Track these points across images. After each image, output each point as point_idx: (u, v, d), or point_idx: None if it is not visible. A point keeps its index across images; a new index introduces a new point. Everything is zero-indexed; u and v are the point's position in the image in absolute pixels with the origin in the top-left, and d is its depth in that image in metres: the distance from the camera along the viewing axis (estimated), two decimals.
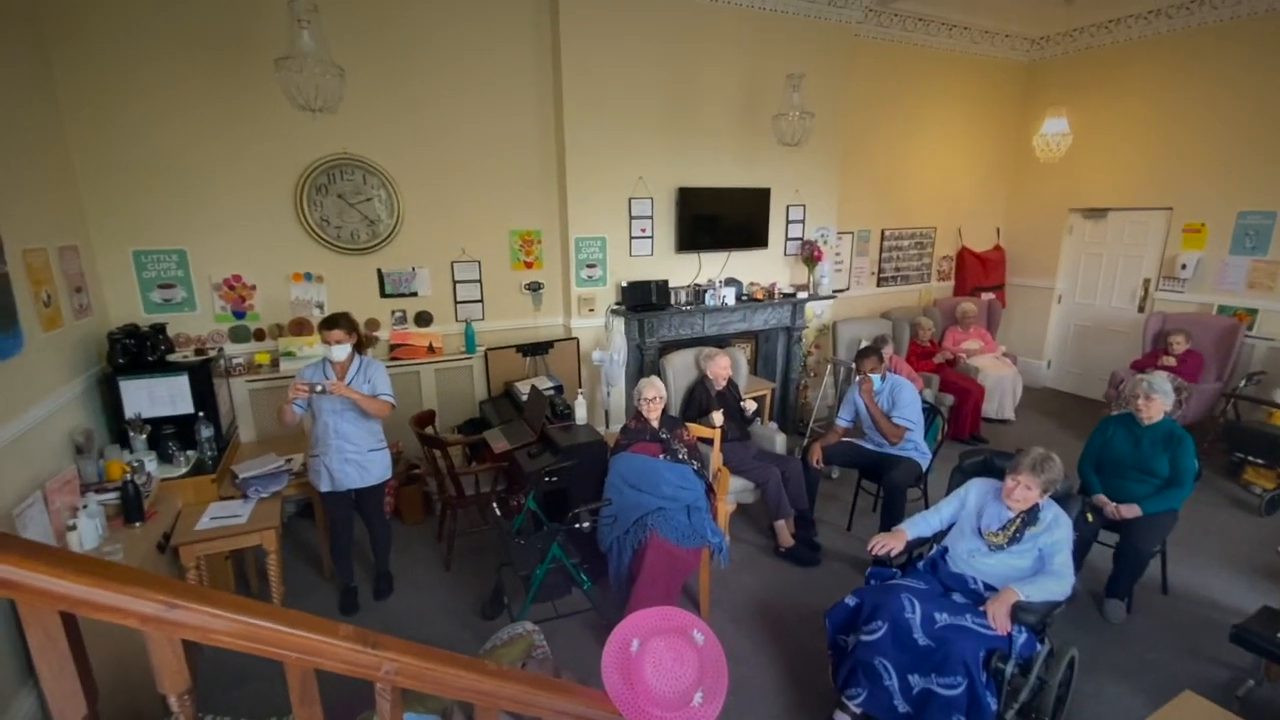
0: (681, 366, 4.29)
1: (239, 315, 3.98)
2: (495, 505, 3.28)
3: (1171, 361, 5.07)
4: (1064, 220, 6.55)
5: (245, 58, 3.65)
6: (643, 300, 4.75)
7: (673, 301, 4.88)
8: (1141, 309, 6.05)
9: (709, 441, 3.61)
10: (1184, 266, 5.63)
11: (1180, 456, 3.08)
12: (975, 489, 2.63)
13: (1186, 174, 5.59)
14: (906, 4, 5.41)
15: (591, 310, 4.80)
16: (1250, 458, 4.39)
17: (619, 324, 4.75)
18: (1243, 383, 4.78)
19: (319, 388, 2.87)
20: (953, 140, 6.44)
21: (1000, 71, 6.51)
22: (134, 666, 2.05)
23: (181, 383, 3.27)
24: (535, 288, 4.78)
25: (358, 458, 3.11)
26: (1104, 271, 6.37)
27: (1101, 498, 3.19)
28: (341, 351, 3.00)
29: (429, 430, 3.76)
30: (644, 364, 4.77)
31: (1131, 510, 3.08)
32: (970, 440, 5.34)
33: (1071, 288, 6.67)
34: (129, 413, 3.18)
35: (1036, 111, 6.17)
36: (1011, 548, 2.42)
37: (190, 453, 3.25)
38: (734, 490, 3.66)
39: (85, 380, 3.18)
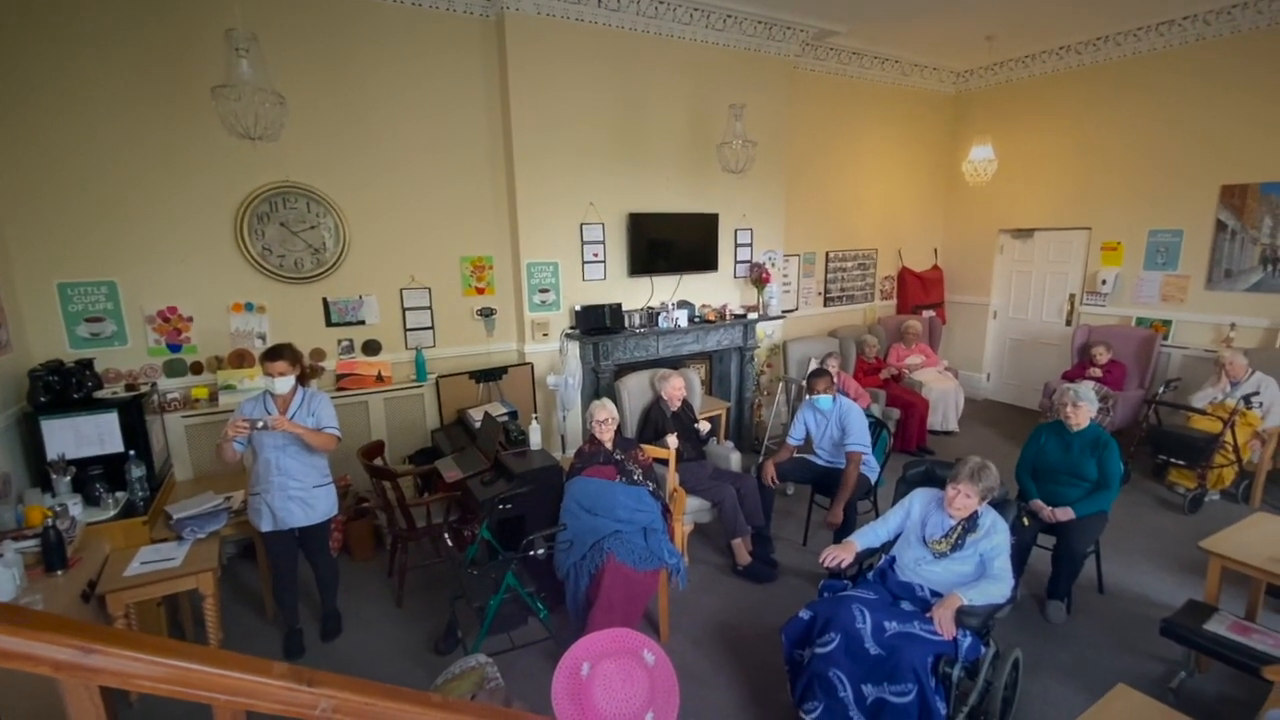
0: (637, 389, 4.32)
1: (174, 348, 3.82)
2: (447, 536, 3.21)
3: (1098, 372, 5.38)
4: (995, 240, 6.92)
5: (179, 83, 3.58)
6: (597, 324, 4.77)
7: (627, 324, 4.92)
8: (1069, 322, 6.41)
9: (665, 462, 3.63)
10: (1104, 282, 6.01)
11: (1106, 460, 3.26)
12: (919, 499, 2.73)
13: (1101, 196, 6.00)
14: (841, 39, 5.70)
15: (545, 335, 4.80)
16: (1173, 459, 4.66)
17: (573, 348, 4.76)
18: (1161, 389, 5.10)
19: (260, 424, 2.76)
20: (890, 166, 6.76)
21: (930, 102, 6.89)
22: None
23: (110, 420, 3.12)
24: (488, 313, 4.75)
25: (302, 495, 2.99)
26: (1033, 288, 6.74)
27: (1037, 502, 3.34)
28: (285, 384, 2.89)
29: (378, 461, 3.67)
30: (599, 387, 4.78)
31: (1065, 513, 3.23)
32: (917, 452, 5.51)
33: (1005, 304, 7.02)
34: (51, 454, 3.00)
35: (964, 139, 6.54)
36: (954, 554, 2.50)
37: (120, 494, 3.08)
38: (691, 510, 3.68)
39: (3, 421, 3.00)
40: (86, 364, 3.29)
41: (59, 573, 2.50)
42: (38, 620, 0.81)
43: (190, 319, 3.83)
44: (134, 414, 3.19)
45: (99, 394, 3.27)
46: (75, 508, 2.84)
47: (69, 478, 2.96)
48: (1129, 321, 5.90)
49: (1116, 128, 5.83)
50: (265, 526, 2.97)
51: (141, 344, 3.74)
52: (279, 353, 2.89)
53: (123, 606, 2.60)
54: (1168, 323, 5.66)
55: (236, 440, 2.79)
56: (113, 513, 2.98)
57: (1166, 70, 5.46)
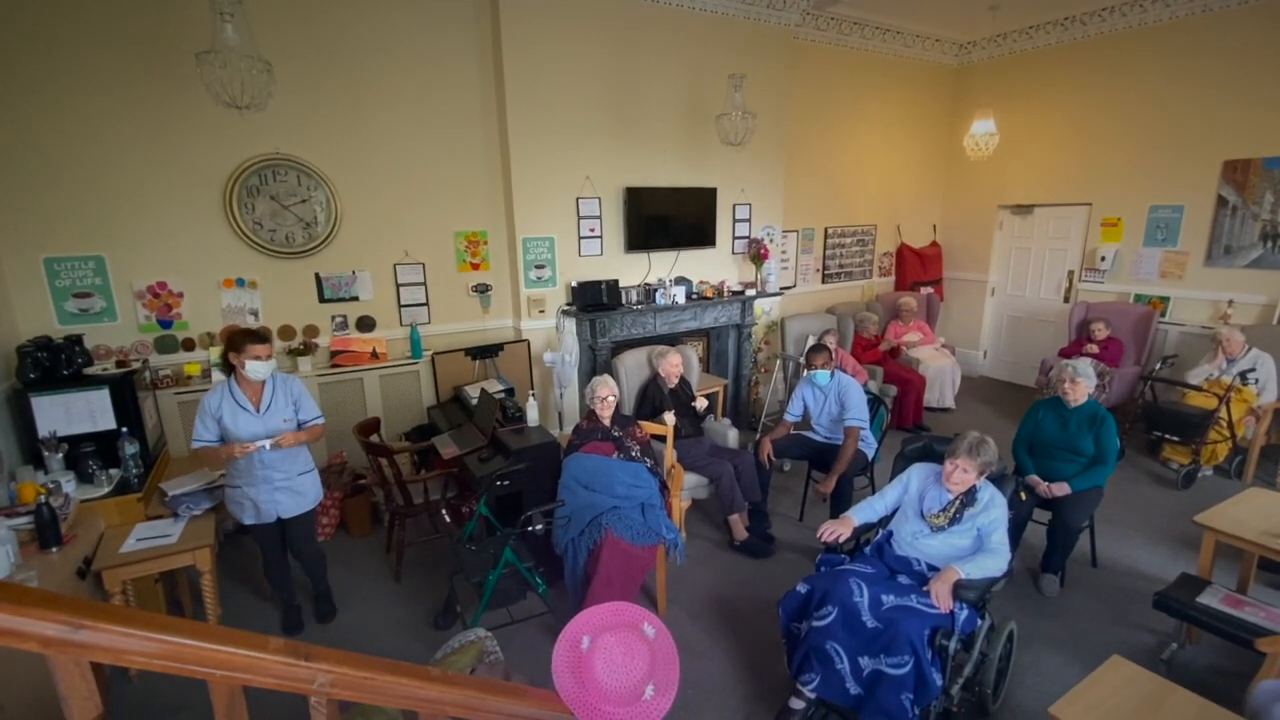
0: (634, 365, 4.30)
1: (165, 324, 3.77)
2: (445, 512, 3.21)
3: (1095, 349, 5.38)
4: (994, 216, 6.86)
5: (165, 51, 3.47)
6: (593, 300, 4.73)
7: (624, 301, 4.87)
8: (1067, 299, 6.39)
9: (662, 439, 3.62)
10: (1103, 258, 5.98)
11: (1103, 436, 3.26)
12: (916, 474, 2.72)
13: (1103, 171, 5.94)
14: (842, 8, 5.57)
15: (542, 311, 4.75)
16: (1167, 435, 4.67)
17: (570, 325, 4.72)
18: (1158, 366, 5.10)
19: (265, 446, 2.70)
20: (890, 141, 6.67)
21: (932, 74, 6.78)
22: (54, 701, 1.91)
23: (102, 397, 3.08)
24: (483, 289, 4.70)
25: (288, 484, 2.91)
26: (1032, 264, 6.71)
27: (1034, 478, 3.35)
28: (269, 368, 2.79)
29: (374, 438, 3.65)
30: (596, 364, 4.75)
31: (1061, 488, 3.24)
32: (914, 429, 5.52)
33: (1003, 281, 6.99)
34: (42, 431, 2.97)
35: (966, 113, 6.44)
36: (952, 528, 2.51)
37: (114, 471, 3.06)
38: (688, 486, 3.68)
39: None
40: (76, 340, 3.23)
41: (54, 550, 2.48)
42: (23, 595, 0.79)
43: (181, 295, 3.77)
44: (126, 391, 3.15)
45: (89, 370, 3.22)
46: (69, 485, 2.81)
47: (61, 455, 2.93)
48: (1127, 298, 5.89)
49: (1119, 101, 5.74)
50: (248, 519, 2.90)
51: (131, 320, 3.68)
52: (263, 335, 2.80)
53: (119, 583, 2.59)
54: (1165, 299, 5.65)
55: (199, 437, 2.75)
56: (107, 490, 2.96)
57: (1171, 43, 5.37)
